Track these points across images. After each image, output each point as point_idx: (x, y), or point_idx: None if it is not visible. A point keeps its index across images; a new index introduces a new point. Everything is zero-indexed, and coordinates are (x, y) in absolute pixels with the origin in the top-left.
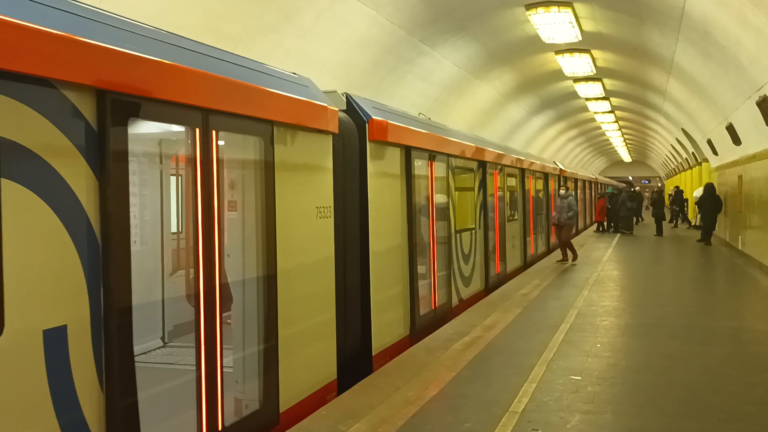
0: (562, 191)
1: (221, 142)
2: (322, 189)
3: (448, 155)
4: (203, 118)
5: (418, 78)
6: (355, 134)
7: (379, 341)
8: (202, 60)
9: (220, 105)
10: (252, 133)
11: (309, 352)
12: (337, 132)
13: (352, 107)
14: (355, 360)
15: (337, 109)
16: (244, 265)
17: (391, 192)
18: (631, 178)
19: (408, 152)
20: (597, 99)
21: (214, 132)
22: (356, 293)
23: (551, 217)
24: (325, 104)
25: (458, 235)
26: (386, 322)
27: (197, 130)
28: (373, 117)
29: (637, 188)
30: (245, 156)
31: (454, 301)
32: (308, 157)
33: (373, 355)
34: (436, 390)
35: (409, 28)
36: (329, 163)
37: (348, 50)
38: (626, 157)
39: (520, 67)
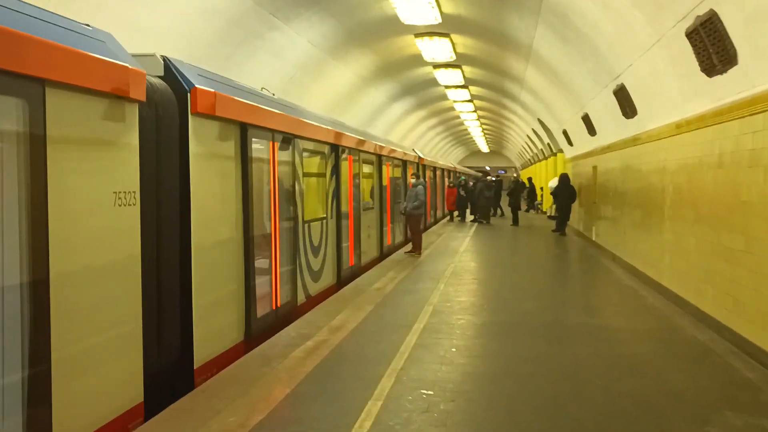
0: (412, 179)
1: None
2: (123, 170)
3: (295, 136)
4: None
5: (270, 54)
6: (174, 106)
7: (203, 351)
8: None
9: None
10: (9, 93)
11: (100, 373)
12: (144, 100)
13: (171, 74)
14: (174, 375)
15: (144, 72)
16: (2, 268)
17: (222, 177)
18: (488, 168)
19: (244, 130)
20: (456, 87)
21: None
22: (174, 296)
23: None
24: (126, 64)
25: (306, 225)
26: (214, 328)
27: None
28: (197, 86)
29: (494, 177)
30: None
31: (300, 298)
32: (101, 130)
33: (195, 368)
34: (265, 413)
35: None
36: (133, 139)
37: (188, 19)
38: (484, 148)
39: (380, 50)
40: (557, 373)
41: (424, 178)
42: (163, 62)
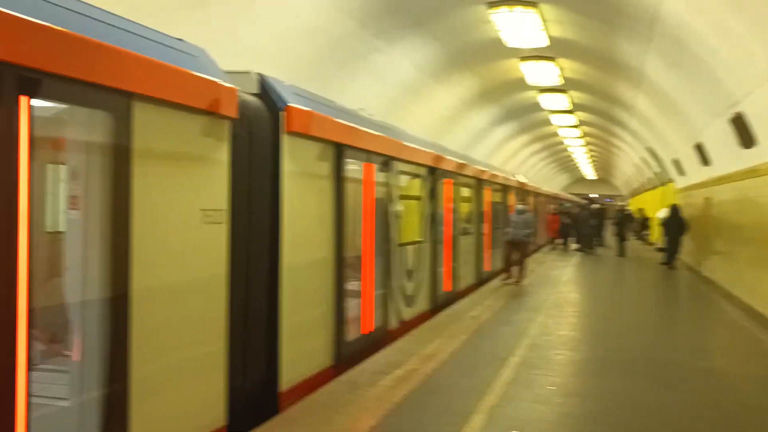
0: (519, 206)
1: (41, 115)
2: (212, 188)
3: (392, 158)
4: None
5: (371, 76)
6: (267, 124)
7: (289, 375)
8: None
9: (34, 60)
10: (94, 105)
11: (182, 394)
12: (236, 117)
13: (266, 92)
14: (259, 399)
15: (236, 89)
16: (84, 282)
17: (315, 197)
18: (593, 195)
19: (339, 151)
20: (562, 112)
21: (24, 99)
22: (261, 317)
23: (506, 233)
24: (218, 80)
25: (401, 248)
26: (301, 351)
27: None
28: (292, 104)
29: (598, 205)
30: (85, 136)
31: (393, 323)
32: (190, 146)
33: (280, 391)
34: None
35: (360, 18)
36: (224, 156)
37: (291, 38)
38: (590, 174)
39: (483, 73)
40: (667, 424)
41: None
42: (258, 80)
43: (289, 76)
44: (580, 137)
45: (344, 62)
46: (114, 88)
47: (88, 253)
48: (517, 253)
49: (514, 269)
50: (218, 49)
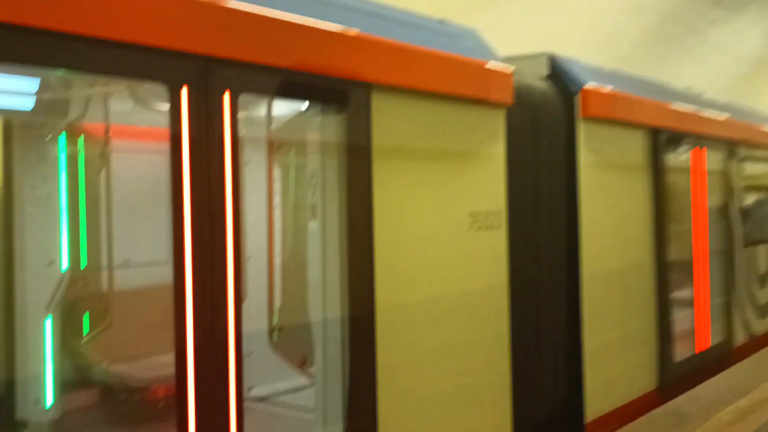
0: None
1: (254, 112)
2: (483, 187)
3: (733, 142)
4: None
5: (711, 51)
6: (557, 109)
7: (598, 402)
8: None
9: (237, 51)
10: (323, 99)
11: (446, 426)
12: (513, 104)
13: (557, 73)
14: (558, 428)
15: (510, 71)
16: (323, 300)
17: (624, 192)
18: None
19: (656, 136)
20: None
21: (227, 94)
22: (557, 334)
23: None
24: (489, 62)
25: (746, 249)
26: (613, 374)
27: (184, 88)
28: (588, 85)
29: None
30: (308, 134)
31: (738, 339)
32: (450, 140)
33: (586, 423)
34: None
35: None
36: (498, 149)
37: (607, 18)
38: None
39: None
40: None
41: None
42: (548, 61)
43: (609, 58)
44: None
45: (676, 39)
46: (347, 80)
47: (327, 271)
48: None
49: None
50: (516, 34)
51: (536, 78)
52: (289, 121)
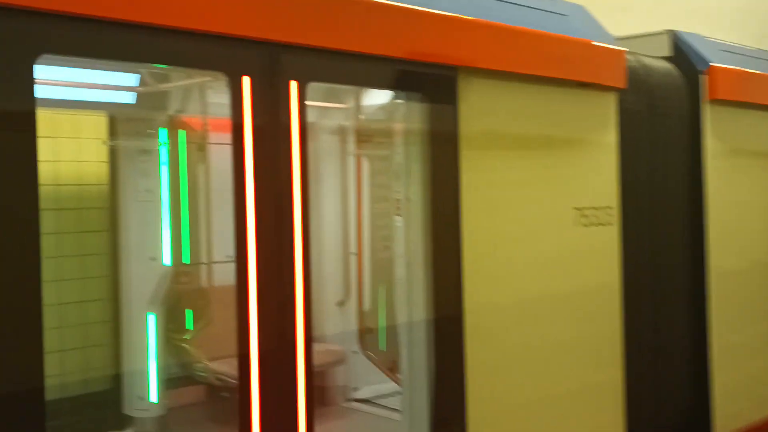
0: None
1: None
2: (591, 180)
3: None
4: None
5: None
6: (677, 91)
7: (729, 413)
8: None
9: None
10: (403, 86)
11: None
12: (624, 86)
13: (680, 51)
14: None
15: (622, 51)
16: (408, 300)
17: (757, 182)
18: None
19: None
20: None
21: (294, 84)
22: (680, 337)
23: None
24: (597, 42)
25: None
26: (750, 381)
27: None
28: (715, 64)
29: None
30: (389, 124)
31: None
32: (551, 127)
33: None
34: None
35: None
36: (609, 138)
37: None
38: None
39: None
40: None
41: None
42: (670, 39)
43: (736, 36)
44: None
45: None
46: (431, 63)
47: (414, 266)
48: None
49: None
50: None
51: (654, 58)
52: (369, 110)
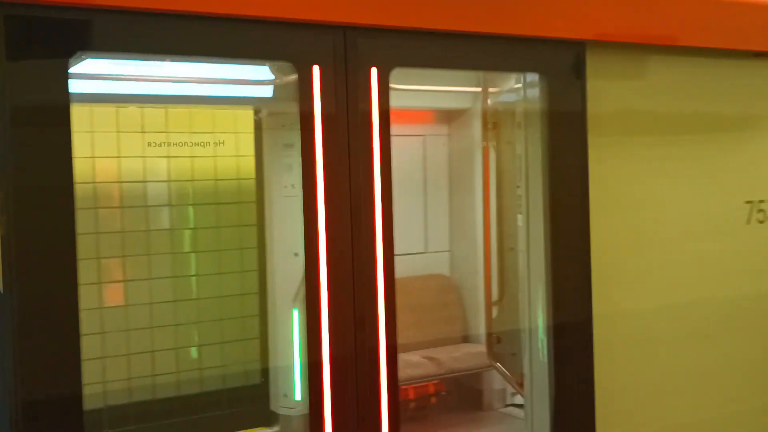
0: None
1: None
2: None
3: None
4: None
5: None
6: None
7: None
8: None
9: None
10: (514, 66)
11: None
12: None
13: None
14: None
15: None
16: (529, 305)
17: None
18: None
19: None
20: None
21: (374, 70)
22: None
23: None
24: None
25: None
26: None
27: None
28: None
29: None
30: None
31: None
32: (710, 107)
33: None
34: None
35: None
36: None
37: None
38: None
39: None
40: None
41: None
42: None
43: None
44: None
45: None
46: (551, 39)
47: (535, 267)
48: None
49: None
50: None
51: None
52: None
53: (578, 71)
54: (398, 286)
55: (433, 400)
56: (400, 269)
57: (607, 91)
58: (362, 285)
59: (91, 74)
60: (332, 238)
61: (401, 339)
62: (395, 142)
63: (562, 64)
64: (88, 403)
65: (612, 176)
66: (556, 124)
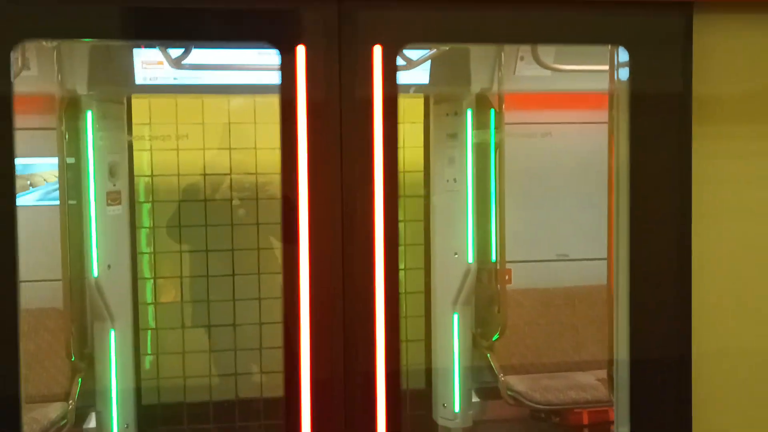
0: None
1: None
2: None
3: None
4: None
5: None
6: None
7: None
8: None
9: None
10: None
11: None
12: None
13: None
14: None
15: None
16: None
17: None
18: None
19: None
20: None
21: (377, 47)
22: None
23: None
24: None
25: None
26: None
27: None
28: None
29: None
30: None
31: None
32: None
33: None
34: None
35: None
36: None
37: None
38: None
39: None
40: None
41: None
42: None
43: None
44: None
45: None
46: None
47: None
48: None
49: None
50: None
51: None
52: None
53: (684, 42)
54: (581, 296)
55: (612, 428)
56: (583, 276)
57: (716, 67)
58: (351, 306)
59: None
60: (317, 249)
61: (584, 356)
62: (577, 130)
63: (659, 33)
64: None
65: (720, 176)
66: (649, 109)
